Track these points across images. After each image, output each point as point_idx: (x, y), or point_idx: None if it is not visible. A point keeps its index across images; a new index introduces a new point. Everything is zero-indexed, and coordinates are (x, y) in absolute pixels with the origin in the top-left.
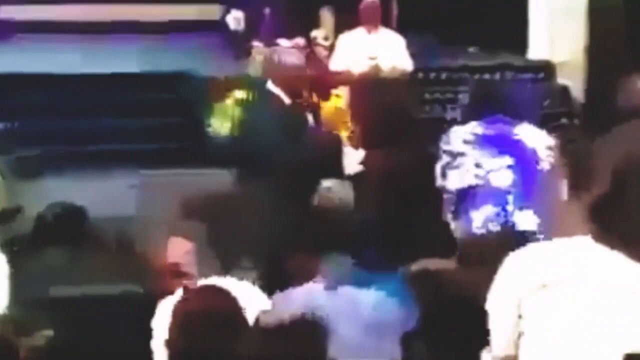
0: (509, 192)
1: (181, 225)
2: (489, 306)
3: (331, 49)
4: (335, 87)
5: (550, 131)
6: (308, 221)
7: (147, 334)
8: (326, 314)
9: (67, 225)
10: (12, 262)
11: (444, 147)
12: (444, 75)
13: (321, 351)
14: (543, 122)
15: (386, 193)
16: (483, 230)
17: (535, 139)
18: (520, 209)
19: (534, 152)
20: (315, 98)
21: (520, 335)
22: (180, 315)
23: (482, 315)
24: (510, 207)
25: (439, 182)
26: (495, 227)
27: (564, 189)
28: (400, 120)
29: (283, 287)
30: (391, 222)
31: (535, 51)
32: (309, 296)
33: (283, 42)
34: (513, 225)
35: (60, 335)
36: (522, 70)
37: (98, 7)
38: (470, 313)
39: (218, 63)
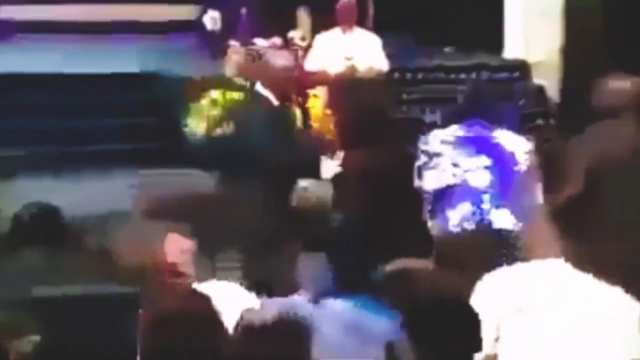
0: (485, 192)
1: (165, 226)
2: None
3: (308, 49)
4: (312, 87)
5: (526, 131)
6: (288, 221)
7: (130, 334)
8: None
9: (44, 225)
10: None
11: (422, 147)
12: (420, 75)
13: (304, 351)
14: (519, 123)
15: (363, 193)
16: (459, 229)
17: (514, 143)
18: (497, 207)
19: (512, 154)
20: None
21: (495, 356)
22: (149, 316)
23: (460, 315)
24: (486, 206)
25: (416, 182)
26: (470, 226)
27: (539, 192)
28: (377, 120)
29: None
30: (369, 222)
31: (511, 51)
32: (292, 305)
33: (260, 42)
34: (489, 223)
35: (43, 337)
36: (497, 70)
37: (74, 7)
38: (447, 312)
39: (195, 63)
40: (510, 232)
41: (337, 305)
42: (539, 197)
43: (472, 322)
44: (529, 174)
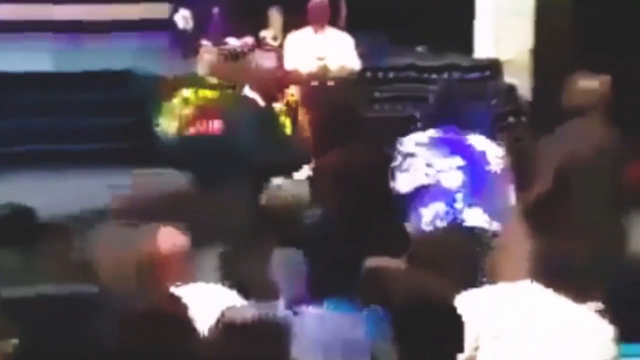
0: (458, 192)
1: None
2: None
3: (281, 48)
4: (287, 87)
5: (498, 130)
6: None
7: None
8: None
9: (17, 226)
10: None
11: (398, 147)
12: (391, 75)
13: (283, 350)
14: (492, 122)
15: (338, 192)
16: (431, 227)
17: (485, 145)
18: (470, 206)
19: (483, 154)
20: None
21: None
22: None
23: (433, 314)
24: (459, 205)
25: (390, 182)
26: (443, 224)
27: (512, 193)
28: (349, 119)
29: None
30: (345, 220)
31: (482, 50)
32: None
33: (232, 42)
34: (461, 222)
35: (20, 337)
36: (469, 70)
37: (45, 6)
38: (421, 312)
39: (166, 62)
40: (485, 230)
41: (314, 311)
42: (512, 198)
43: (451, 322)
44: (501, 175)
